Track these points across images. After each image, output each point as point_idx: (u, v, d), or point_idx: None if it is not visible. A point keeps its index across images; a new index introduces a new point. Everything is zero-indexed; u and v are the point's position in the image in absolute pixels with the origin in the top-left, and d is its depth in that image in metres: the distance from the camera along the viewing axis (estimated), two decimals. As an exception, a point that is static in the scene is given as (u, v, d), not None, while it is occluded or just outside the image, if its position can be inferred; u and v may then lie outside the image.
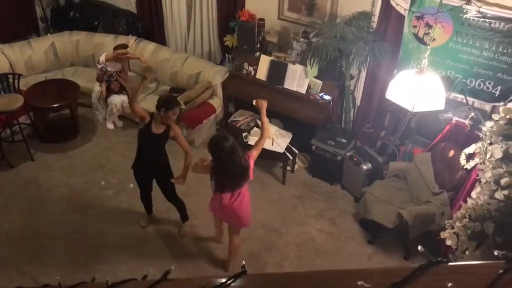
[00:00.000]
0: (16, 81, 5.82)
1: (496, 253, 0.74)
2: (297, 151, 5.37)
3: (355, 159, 5.00)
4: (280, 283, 1.07)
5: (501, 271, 0.66)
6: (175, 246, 4.61)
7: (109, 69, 5.64)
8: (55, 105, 5.64)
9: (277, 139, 5.32)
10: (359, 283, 0.77)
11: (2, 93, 5.72)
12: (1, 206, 4.95)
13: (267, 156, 5.43)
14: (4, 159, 5.46)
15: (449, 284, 0.67)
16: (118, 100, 5.85)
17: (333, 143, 5.19)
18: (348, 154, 5.08)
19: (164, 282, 1.28)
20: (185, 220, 4.72)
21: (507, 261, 0.67)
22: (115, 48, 5.60)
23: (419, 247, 0.81)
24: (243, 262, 1.12)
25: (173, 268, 1.30)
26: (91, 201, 5.06)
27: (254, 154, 3.69)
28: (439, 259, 0.75)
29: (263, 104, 3.84)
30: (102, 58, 5.61)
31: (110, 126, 6.11)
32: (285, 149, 5.25)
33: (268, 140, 5.31)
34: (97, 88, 5.91)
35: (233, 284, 1.07)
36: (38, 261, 4.38)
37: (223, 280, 1.08)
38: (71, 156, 5.67)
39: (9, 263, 4.35)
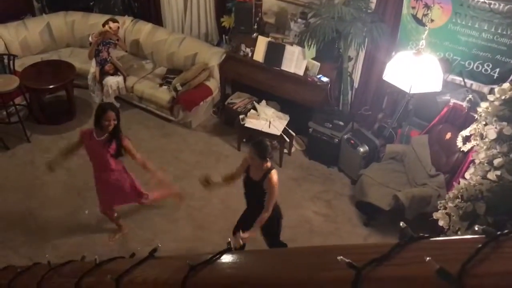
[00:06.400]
0: (11, 62, 5.79)
1: (476, 228, 0.73)
2: (294, 134, 5.35)
3: (352, 141, 4.98)
4: (262, 259, 1.06)
5: (479, 245, 0.65)
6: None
7: (101, 54, 5.68)
8: (51, 87, 5.61)
9: (274, 122, 5.31)
10: (338, 258, 0.76)
11: (-2, 74, 5.68)
12: (-3, 188, 4.95)
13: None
14: (0, 140, 5.45)
15: (427, 258, 0.66)
16: (113, 81, 5.81)
17: (330, 125, 5.17)
18: (345, 136, 5.06)
19: (151, 260, 1.28)
20: None
21: (486, 235, 0.66)
22: (104, 23, 5.64)
23: (401, 223, 0.80)
24: (229, 239, 1.12)
25: (159, 245, 1.30)
26: (88, 183, 5.05)
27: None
28: (421, 234, 0.74)
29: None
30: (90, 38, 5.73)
31: (107, 108, 6.08)
32: (282, 132, 5.23)
33: (265, 122, 5.31)
34: (92, 70, 5.87)
35: (218, 261, 1.06)
36: (35, 242, 4.40)
37: (209, 257, 1.07)
38: (68, 137, 5.64)
39: (5, 245, 4.36)
